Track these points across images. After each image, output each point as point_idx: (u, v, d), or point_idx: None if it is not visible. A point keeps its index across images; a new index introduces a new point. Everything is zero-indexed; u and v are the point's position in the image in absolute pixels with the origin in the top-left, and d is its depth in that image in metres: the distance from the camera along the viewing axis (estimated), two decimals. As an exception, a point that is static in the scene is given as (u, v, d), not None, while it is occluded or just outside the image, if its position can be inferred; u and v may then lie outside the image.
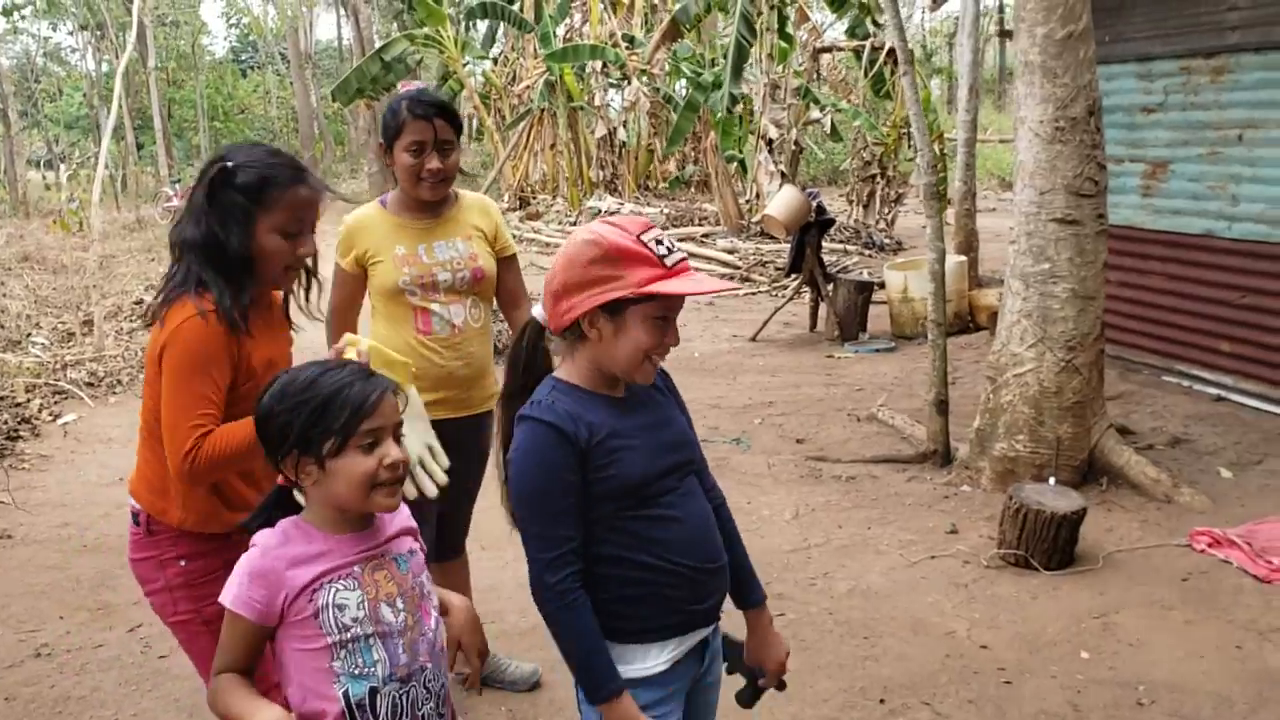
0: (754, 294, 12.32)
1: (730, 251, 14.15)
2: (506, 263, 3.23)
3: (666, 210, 17.27)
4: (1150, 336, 7.12)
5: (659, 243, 1.82)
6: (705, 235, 15.39)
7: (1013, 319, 5.36)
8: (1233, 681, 3.47)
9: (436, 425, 3.20)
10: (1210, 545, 4.49)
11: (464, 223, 3.15)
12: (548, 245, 15.78)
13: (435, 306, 3.08)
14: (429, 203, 3.10)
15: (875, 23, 15.29)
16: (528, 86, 19.48)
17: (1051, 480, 5.02)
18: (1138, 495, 5.11)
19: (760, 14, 14.41)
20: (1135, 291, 7.17)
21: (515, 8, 20.08)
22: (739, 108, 15.04)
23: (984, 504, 5.13)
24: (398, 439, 1.80)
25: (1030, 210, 5.21)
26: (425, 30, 18.21)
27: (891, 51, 14.33)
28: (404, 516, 1.93)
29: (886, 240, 15.15)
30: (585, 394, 1.90)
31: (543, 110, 19.16)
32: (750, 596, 2.14)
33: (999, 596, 4.16)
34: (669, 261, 1.81)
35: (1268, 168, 6.14)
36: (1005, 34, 14.62)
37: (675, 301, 1.87)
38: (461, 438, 3.17)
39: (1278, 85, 6.02)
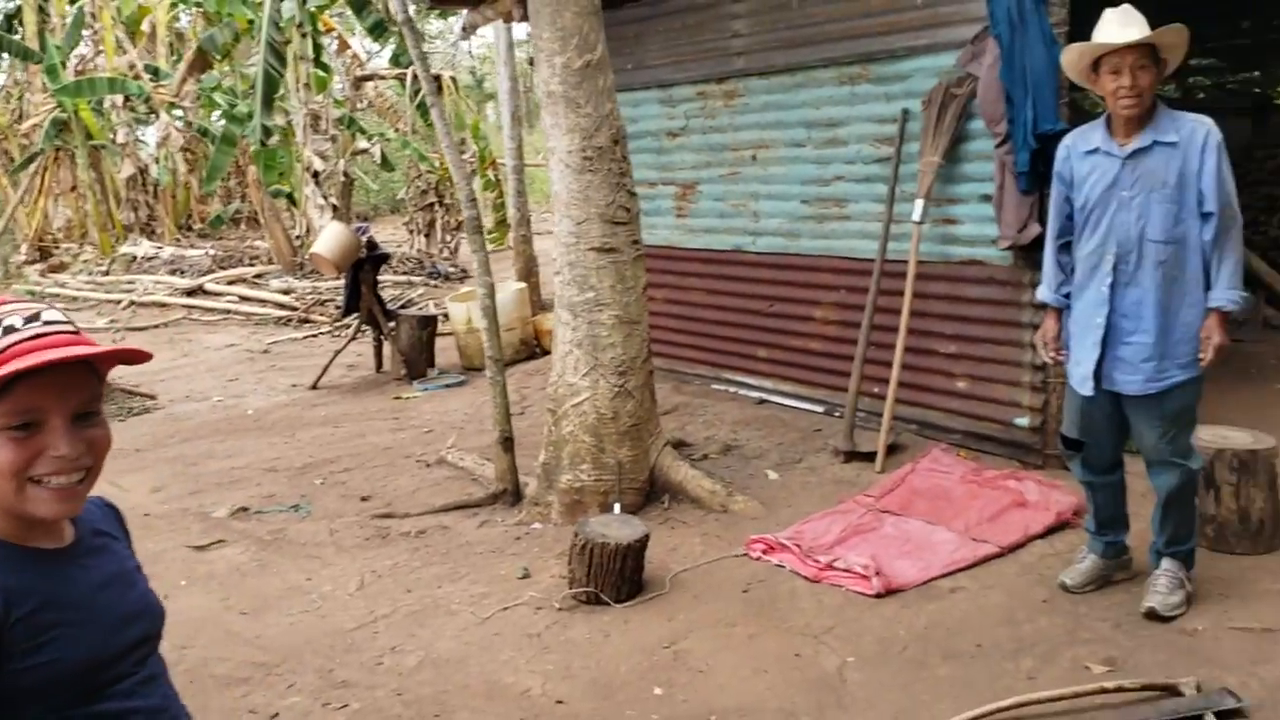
0: (314, 336, 11.66)
1: (286, 292, 13.35)
2: None
3: (213, 251, 16.03)
4: (698, 349, 7.45)
5: None
6: (258, 276, 14.46)
7: (565, 349, 5.31)
8: (795, 693, 3.55)
9: None
10: (765, 551, 4.64)
11: None
12: (75, 300, 14.05)
13: None
14: None
15: (417, 51, 15.11)
16: (36, 124, 17.30)
17: (616, 507, 5.01)
18: (697, 509, 5.23)
19: (290, 42, 13.71)
20: (681, 307, 7.48)
21: (17, 36, 17.77)
22: (274, 140, 14.20)
23: (555, 540, 5.01)
24: None
25: (569, 240, 5.20)
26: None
27: (436, 79, 14.22)
28: None
29: (451, 269, 15.04)
30: (5, 548, 1.41)
31: (58, 150, 17.11)
32: None
33: (572, 641, 4.02)
34: None
35: (780, 184, 6.59)
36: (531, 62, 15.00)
37: (34, 402, 1.38)
38: None
39: (781, 107, 6.48)
